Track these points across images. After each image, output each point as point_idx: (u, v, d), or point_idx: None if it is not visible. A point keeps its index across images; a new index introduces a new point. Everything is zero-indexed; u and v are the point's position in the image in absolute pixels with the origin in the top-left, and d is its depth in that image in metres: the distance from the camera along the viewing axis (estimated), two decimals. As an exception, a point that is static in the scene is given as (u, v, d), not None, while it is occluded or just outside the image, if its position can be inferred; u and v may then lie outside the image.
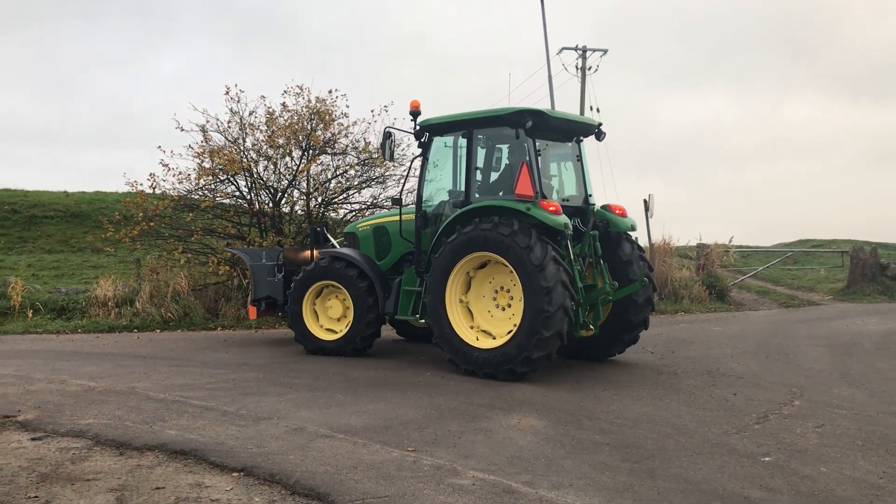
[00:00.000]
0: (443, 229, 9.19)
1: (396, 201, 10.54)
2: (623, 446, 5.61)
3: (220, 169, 15.18)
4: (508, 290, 8.84)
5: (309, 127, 15.55)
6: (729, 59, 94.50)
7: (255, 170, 15.76)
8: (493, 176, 9.81)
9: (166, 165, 15.29)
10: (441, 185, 10.25)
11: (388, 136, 10.02)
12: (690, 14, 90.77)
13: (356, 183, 16.35)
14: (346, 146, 16.10)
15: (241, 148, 15.59)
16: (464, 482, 4.69)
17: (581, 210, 9.68)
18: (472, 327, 8.93)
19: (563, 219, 8.55)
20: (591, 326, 8.97)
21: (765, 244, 31.71)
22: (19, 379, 8.10)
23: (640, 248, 9.80)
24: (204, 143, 15.58)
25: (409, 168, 11.10)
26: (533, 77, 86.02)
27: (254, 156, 15.75)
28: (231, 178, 15.57)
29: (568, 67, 36.40)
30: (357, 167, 16.19)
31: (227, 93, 15.71)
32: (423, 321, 9.48)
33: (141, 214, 15.05)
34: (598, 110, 35.62)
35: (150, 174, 15.39)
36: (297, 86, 15.95)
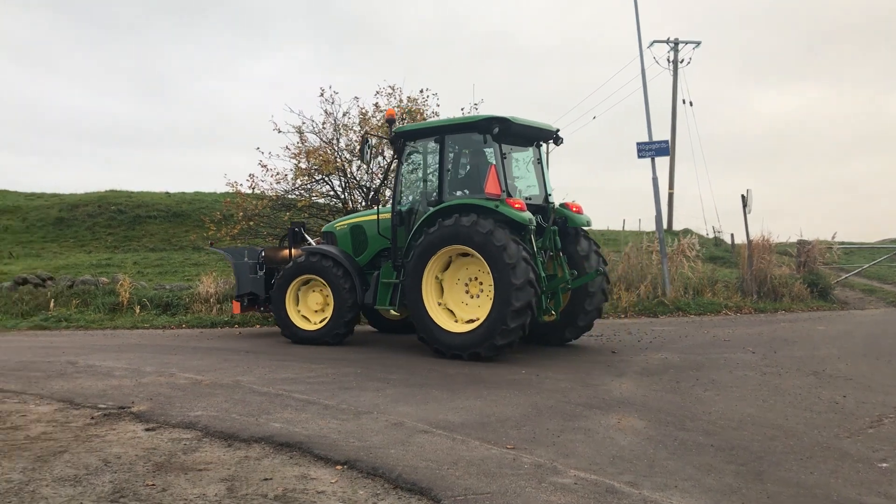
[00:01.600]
0: (419, 225, 10.03)
1: (374, 201, 11.38)
2: (728, 448, 5.45)
3: (316, 169, 15.56)
4: (480, 282, 9.78)
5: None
6: (827, 49, 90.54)
7: (348, 170, 16.06)
8: (463, 177, 10.69)
9: (265, 166, 15.78)
10: (415, 187, 11.28)
11: (365, 141, 11.06)
12: (787, 3, 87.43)
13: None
14: (437, 145, 16.23)
15: (336, 148, 15.93)
16: (565, 481, 4.65)
17: (542, 208, 10.58)
18: (439, 304, 9.84)
19: (528, 215, 9.47)
20: (553, 312, 9.99)
21: (870, 240, 30.33)
22: (131, 372, 8.49)
23: (594, 241, 10.82)
24: (300, 144, 16.01)
25: (387, 172, 11.48)
26: (622, 72, 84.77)
27: (347, 156, 16.06)
28: (326, 178, 15.93)
29: (659, 61, 35.73)
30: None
31: (322, 95, 16.12)
32: (394, 311, 10.71)
33: (241, 214, 15.55)
34: (690, 104, 34.83)
35: (250, 175, 15.92)
36: (389, 86, 16.22)
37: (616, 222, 42.70)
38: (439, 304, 9.83)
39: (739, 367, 9.02)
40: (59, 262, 24.02)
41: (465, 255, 9.73)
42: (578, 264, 10.36)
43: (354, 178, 16.50)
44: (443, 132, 10.38)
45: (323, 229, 12.47)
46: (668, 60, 35.13)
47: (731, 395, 7.32)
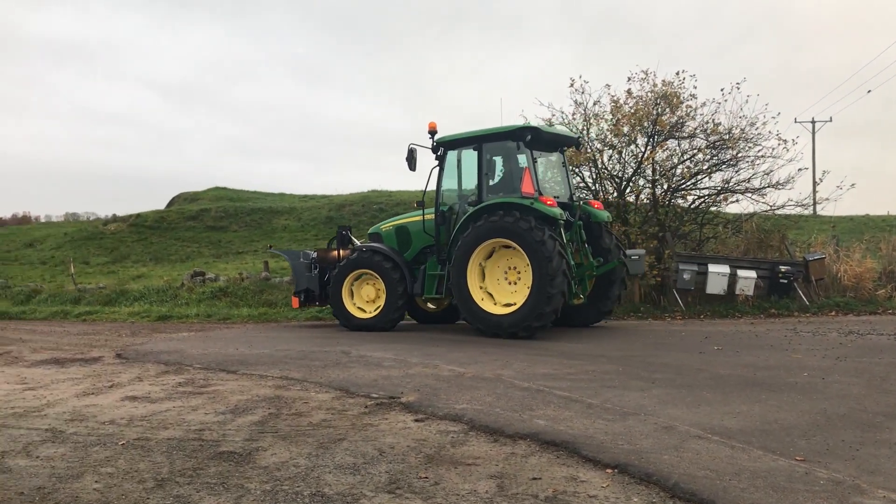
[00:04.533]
0: (463, 221, 11.47)
1: (420, 204, 12.78)
2: None
3: (566, 161, 15.37)
4: (518, 270, 11.20)
5: (655, 112, 15.10)
6: None
7: (599, 160, 15.70)
8: (499, 179, 12.01)
9: (515, 160, 15.83)
10: (454, 190, 12.49)
11: (412, 151, 12.14)
12: None
13: (706, 167, 15.54)
14: (695, 129, 15.38)
15: (586, 139, 15.62)
16: (873, 502, 4.06)
17: (567, 205, 12.00)
18: (480, 287, 11.33)
19: (559, 210, 10.94)
20: (581, 296, 11.63)
21: None
22: (399, 363, 8.86)
23: (614, 234, 12.41)
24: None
25: (428, 177, 12.54)
26: (901, 37, 74.92)
27: (598, 146, 15.71)
28: (576, 170, 15.68)
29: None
30: (706, 150, 15.38)
31: (572, 85, 15.88)
32: (431, 305, 13.73)
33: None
34: None
35: (499, 169, 16.08)
36: (642, 71, 15.63)
37: (898, 207, 38.13)
38: (481, 288, 11.33)
39: None
40: (330, 257, 26.00)
41: (505, 247, 11.12)
42: (601, 254, 11.93)
43: (605, 169, 16.11)
44: (480, 140, 11.83)
45: (369, 231, 14.02)
46: (964, 19, 30.71)
47: None
